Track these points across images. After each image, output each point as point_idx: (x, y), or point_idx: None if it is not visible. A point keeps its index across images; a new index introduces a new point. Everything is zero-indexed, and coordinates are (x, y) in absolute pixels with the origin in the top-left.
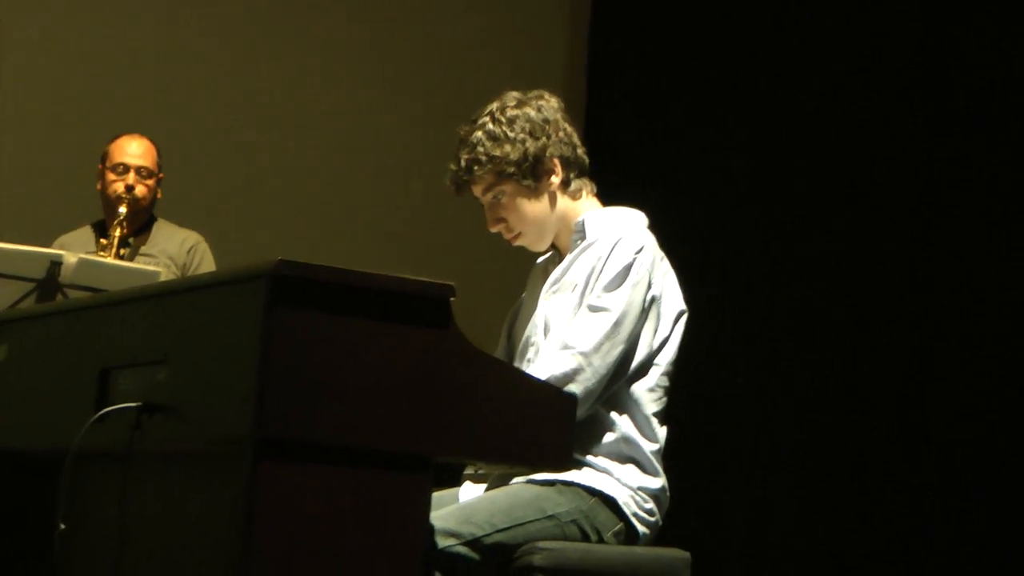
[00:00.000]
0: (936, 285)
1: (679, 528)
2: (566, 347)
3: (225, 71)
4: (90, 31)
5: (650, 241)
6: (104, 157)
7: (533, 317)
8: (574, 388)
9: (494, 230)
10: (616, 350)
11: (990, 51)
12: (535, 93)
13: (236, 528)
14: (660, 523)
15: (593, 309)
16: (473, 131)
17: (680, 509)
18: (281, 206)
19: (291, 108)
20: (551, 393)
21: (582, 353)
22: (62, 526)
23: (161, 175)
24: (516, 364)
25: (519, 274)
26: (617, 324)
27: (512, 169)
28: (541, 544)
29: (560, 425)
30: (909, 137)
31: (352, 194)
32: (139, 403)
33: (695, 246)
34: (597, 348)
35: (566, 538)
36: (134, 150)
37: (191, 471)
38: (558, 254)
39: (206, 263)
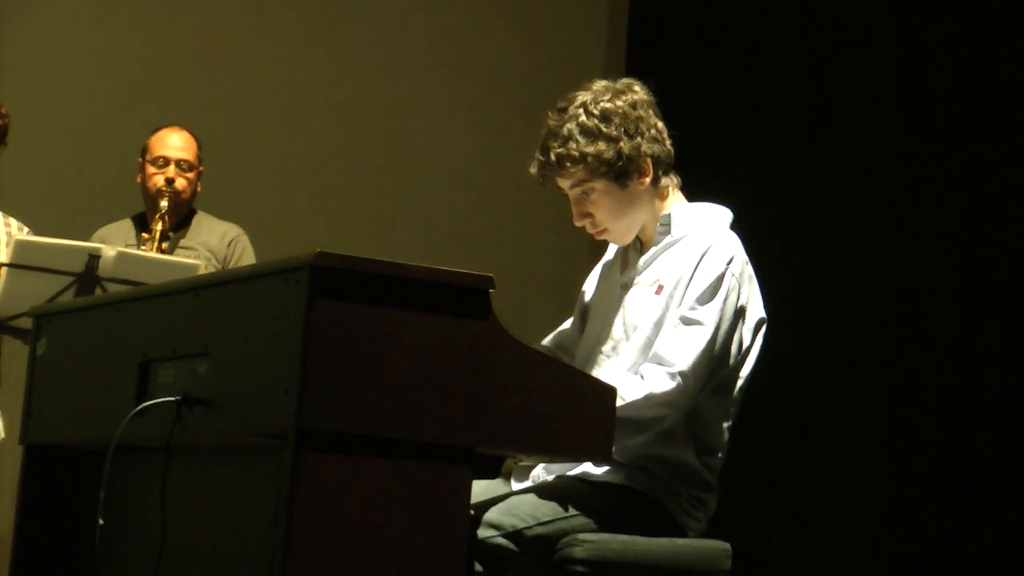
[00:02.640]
0: (987, 285)
1: (720, 519)
2: (663, 363)
3: (265, 64)
4: (129, 22)
5: (738, 248)
6: (144, 150)
7: (610, 309)
8: (670, 411)
9: (579, 224)
10: (710, 366)
11: None
12: (624, 83)
13: (278, 520)
14: (706, 525)
15: (687, 322)
16: (564, 123)
17: (722, 499)
18: (321, 199)
19: (332, 101)
20: (592, 385)
21: (681, 373)
22: (101, 521)
23: (201, 168)
24: (591, 354)
25: (557, 265)
26: (712, 340)
27: (605, 168)
28: (582, 536)
29: (601, 417)
30: (965, 132)
31: (391, 187)
32: (179, 396)
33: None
34: (695, 368)
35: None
36: (174, 143)
37: (232, 464)
38: (639, 241)
39: (247, 256)
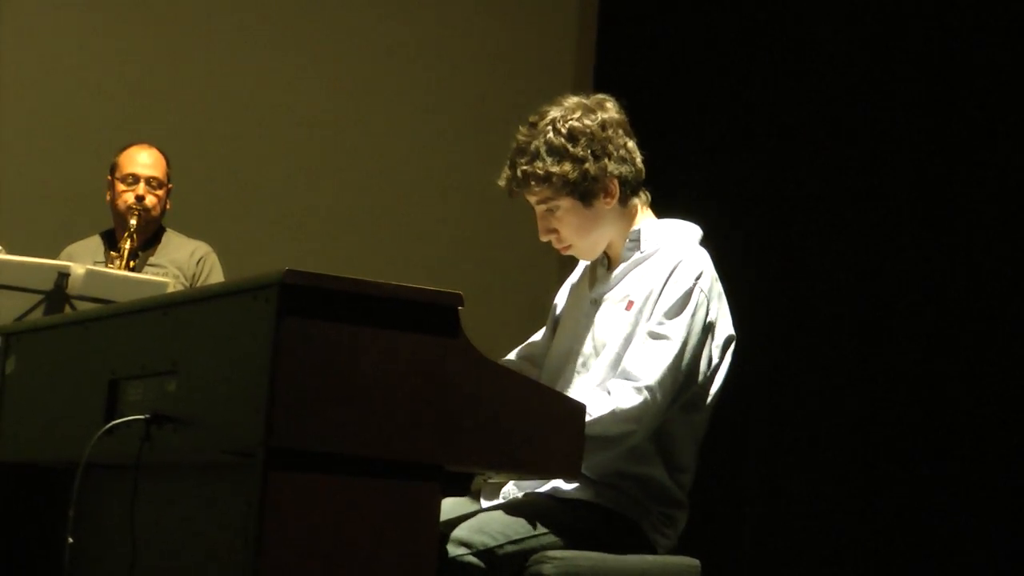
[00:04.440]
0: (959, 300)
1: (689, 535)
2: (629, 378)
3: (234, 81)
4: (99, 41)
5: (708, 264)
6: (113, 168)
7: (580, 325)
8: (637, 426)
9: (545, 239)
10: (678, 381)
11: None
12: (596, 100)
13: (247, 538)
14: (676, 541)
15: (654, 336)
16: (533, 139)
17: (691, 516)
18: (291, 216)
19: (300, 117)
20: (561, 402)
21: (648, 387)
22: (71, 540)
23: (171, 185)
24: (560, 370)
25: (527, 282)
26: (679, 355)
27: (570, 188)
28: (551, 553)
29: (570, 434)
30: (929, 135)
31: (361, 203)
32: (148, 414)
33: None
34: (661, 382)
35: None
36: (144, 160)
37: (202, 482)
38: (606, 257)
39: (215, 274)
